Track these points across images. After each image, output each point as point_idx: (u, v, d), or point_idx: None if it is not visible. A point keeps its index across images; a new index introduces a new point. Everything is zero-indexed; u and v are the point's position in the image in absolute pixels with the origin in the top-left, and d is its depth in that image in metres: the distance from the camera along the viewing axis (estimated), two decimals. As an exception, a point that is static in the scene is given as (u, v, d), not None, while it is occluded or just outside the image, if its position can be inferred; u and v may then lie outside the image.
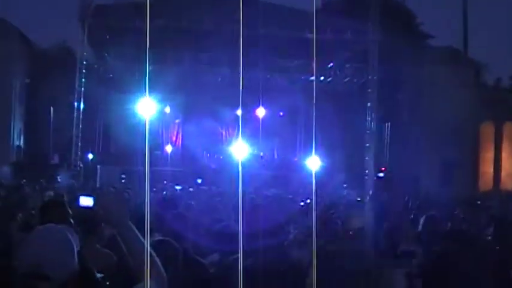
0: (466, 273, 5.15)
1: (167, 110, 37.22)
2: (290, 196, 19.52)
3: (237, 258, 3.16)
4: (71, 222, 5.36)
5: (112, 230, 3.84)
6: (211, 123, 38.01)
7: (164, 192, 19.36)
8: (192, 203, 10.94)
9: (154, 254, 3.14)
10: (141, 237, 3.11)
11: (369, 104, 34.91)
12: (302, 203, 15.90)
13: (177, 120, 38.86)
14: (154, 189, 19.89)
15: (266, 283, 2.59)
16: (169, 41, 29.35)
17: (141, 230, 3.18)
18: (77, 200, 3.53)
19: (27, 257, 3.09)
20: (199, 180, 30.74)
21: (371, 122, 34.76)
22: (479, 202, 17.32)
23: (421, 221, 7.41)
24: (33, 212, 9.04)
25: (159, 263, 3.14)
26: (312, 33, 29.23)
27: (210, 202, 13.22)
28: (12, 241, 3.92)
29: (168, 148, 37.53)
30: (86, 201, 3.40)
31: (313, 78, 35.33)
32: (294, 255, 5.22)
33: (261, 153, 34.51)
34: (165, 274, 3.14)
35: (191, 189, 24.15)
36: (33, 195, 14.73)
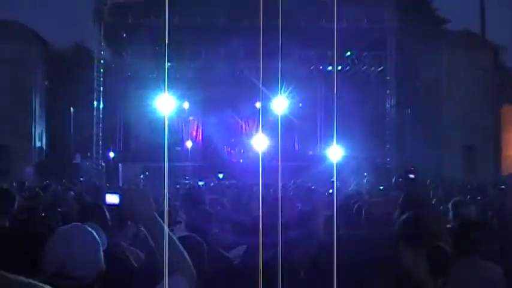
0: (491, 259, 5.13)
1: (186, 105, 37.24)
2: (313, 187, 19.47)
3: (260, 250, 3.16)
4: (108, 224, 5.39)
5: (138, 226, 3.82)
6: (231, 117, 38.07)
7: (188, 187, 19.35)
8: (215, 197, 10.95)
9: (183, 249, 3.12)
10: (170, 232, 3.09)
11: (387, 92, 34.84)
12: (327, 194, 15.89)
13: (191, 118, 38.86)
14: (177, 186, 19.88)
15: (289, 274, 2.61)
16: (186, 36, 29.38)
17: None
18: (103, 198, 3.52)
19: (52, 257, 3.09)
20: (220, 175, 30.74)
21: (390, 109, 34.69)
22: (503, 186, 17.17)
23: (449, 206, 7.37)
24: (59, 209, 9.11)
25: (188, 258, 3.12)
26: (329, 22, 29.24)
27: (237, 196, 13.22)
28: (39, 242, 3.93)
29: (189, 143, 37.57)
30: (111, 198, 3.39)
31: (331, 68, 35.31)
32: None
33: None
34: (194, 269, 3.13)
35: (212, 184, 24.24)
36: (57, 195, 14.81)
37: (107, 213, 5.59)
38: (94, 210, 5.68)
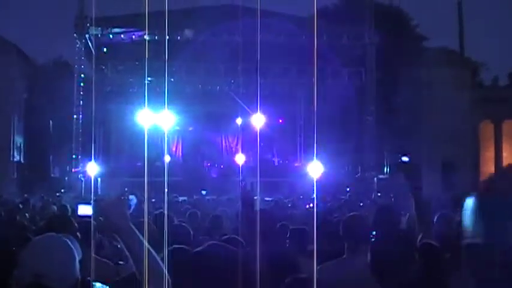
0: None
1: (166, 119, 37.05)
2: (289, 204, 19.48)
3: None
4: (77, 235, 5.35)
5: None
6: (211, 132, 38.01)
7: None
8: (198, 212, 10.96)
9: (159, 260, 3.09)
10: (148, 245, 3.03)
11: (367, 108, 34.97)
12: (308, 206, 16.03)
13: (177, 127, 38.61)
14: (153, 200, 19.74)
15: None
16: (165, 52, 29.36)
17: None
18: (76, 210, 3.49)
19: (27, 268, 3.07)
20: (203, 192, 30.56)
21: (370, 125, 34.80)
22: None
23: (435, 220, 7.43)
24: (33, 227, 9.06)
25: (163, 266, 3.08)
26: (309, 38, 29.41)
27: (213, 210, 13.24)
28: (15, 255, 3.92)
29: (167, 158, 37.39)
30: (84, 209, 3.34)
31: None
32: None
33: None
34: (170, 281, 3.10)
35: (195, 197, 24.36)
36: (35, 210, 14.76)
37: (76, 225, 5.55)
38: (61, 222, 5.63)
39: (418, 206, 6.82)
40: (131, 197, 3.21)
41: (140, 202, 3.44)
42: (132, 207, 3.20)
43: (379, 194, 27.66)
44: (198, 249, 3.20)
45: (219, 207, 15.66)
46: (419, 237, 6.14)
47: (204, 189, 30.90)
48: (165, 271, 3.07)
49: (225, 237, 5.86)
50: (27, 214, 12.78)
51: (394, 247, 3.85)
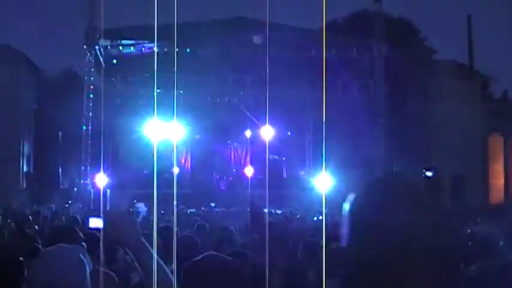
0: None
1: (173, 132, 37.07)
2: (298, 215, 19.47)
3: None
4: (83, 245, 5.34)
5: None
6: (220, 144, 38.01)
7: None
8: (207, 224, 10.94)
9: (166, 268, 3.06)
10: (158, 257, 2.98)
11: (376, 120, 34.91)
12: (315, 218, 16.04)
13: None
14: (162, 212, 19.78)
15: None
16: (175, 64, 29.44)
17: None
18: (87, 222, 3.46)
19: (37, 278, 3.06)
20: (212, 204, 30.54)
21: (379, 138, 34.73)
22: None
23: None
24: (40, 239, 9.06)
25: (172, 277, 3.06)
26: (318, 51, 29.48)
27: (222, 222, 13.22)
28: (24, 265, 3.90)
29: (176, 170, 37.37)
30: (95, 222, 3.32)
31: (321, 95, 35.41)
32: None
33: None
34: None
35: (203, 208, 24.38)
36: (45, 221, 14.77)
37: (82, 236, 5.53)
38: (68, 233, 5.61)
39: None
40: (139, 205, 3.21)
41: (149, 213, 3.43)
42: (141, 215, 3.19)
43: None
44: (195, 259, 3.21)
45: (228, 219, 15.68)
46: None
47: (212, 202, 30.89)
48: (175, 283, 3.06)
49: (231, 250, 5.86)
50: (36, 226, 12.79)
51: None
